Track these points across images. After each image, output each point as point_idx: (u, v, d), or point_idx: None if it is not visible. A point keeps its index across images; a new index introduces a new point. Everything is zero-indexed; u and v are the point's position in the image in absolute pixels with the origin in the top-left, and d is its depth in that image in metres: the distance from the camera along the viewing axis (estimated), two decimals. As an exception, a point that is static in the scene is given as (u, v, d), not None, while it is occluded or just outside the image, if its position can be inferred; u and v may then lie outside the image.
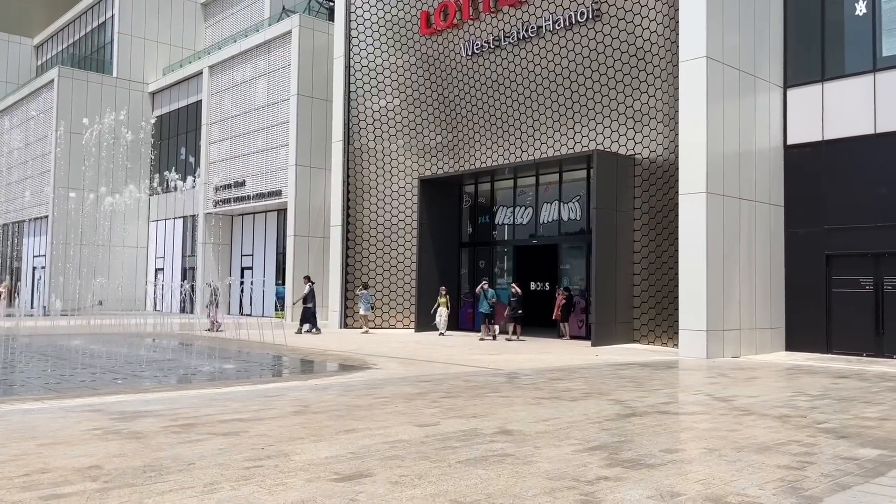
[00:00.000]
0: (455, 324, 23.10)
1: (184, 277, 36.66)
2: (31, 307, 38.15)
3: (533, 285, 25.43)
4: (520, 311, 20.07)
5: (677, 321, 16.54)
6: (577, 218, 21.11)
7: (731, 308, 16.37)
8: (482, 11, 22.26)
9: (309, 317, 22.24)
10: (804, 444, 6.67)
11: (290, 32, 29.47)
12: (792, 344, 17.75)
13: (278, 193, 29.84)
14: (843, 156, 17.13)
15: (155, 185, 37.78)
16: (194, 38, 41.30)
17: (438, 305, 21.96)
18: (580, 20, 19.93)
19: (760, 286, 17.30)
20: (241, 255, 34.30)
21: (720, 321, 16.03)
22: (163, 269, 38.83)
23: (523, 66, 21.42)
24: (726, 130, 16.42)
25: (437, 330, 21.86)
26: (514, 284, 20.61)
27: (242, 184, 32.01)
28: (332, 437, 6.70)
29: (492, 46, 22.11)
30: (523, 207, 22.71)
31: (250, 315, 31.71)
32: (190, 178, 34.50)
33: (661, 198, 18.26)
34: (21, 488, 4.89)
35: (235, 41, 34.09)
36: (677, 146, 17.18)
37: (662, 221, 18.17)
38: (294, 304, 22.94)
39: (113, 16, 40.47)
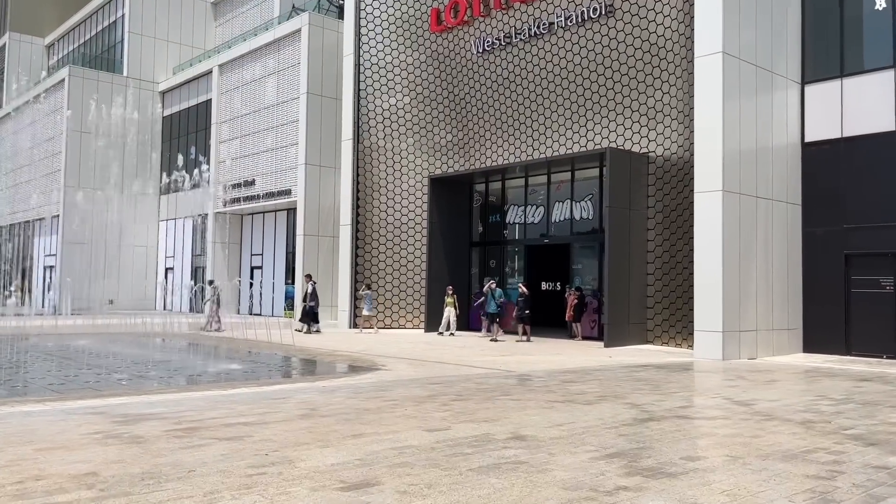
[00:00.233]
0: (465, 324, 22.83)
1: (193, 277, 36.57)
2: (42, 306, 38.17)
3: (544, 285, 25.13)
4: (527, 312, 19.78)
5: (692, 322, 16.23)
6: (590, 217, 20.80)
7: (747, 308, 16.03)
8: (493, 8, 21.99)
9: (310, 315, 22.09)
10: (832, 452, 6.37)
11: (299, 31, 29.28)
12: (809, 345, 17.39)
13: (288, 192, 29.66)
14: (862, 153, 16.74)
15: (164, 184, 37.71)
16: (204, 37, 41.23)
17: (445, 305, 21.75)
18: (593, 16, 19.63)
19: (777, 286, 16.95)
20: (251, 255, 34.16)
21: (736, 322, 15.70)
22: (172, 269, 38.76)
23: (535, 64, 21.14)
24: (743, 127, 16.09)
25: (447, 331, 21.60)
26: (521, 284, 20.33)
27: (252, 183, 31.85)
28: (338, 442, 6.46)
29: (503, 43, 21.83)
30: (535, 206, 22.42)
31: (259, 315, 31.57)
32: (199, 178, 34.38)
33: (676, 196, 17.93)
34: (12, 496, 4.68)
35: (245, 40, 33.95)
36: (692, 143, 16.87)
37: (677, 220, 17.85)
38: (306, 303, 22.90)
39: (123, 15, 40.44)
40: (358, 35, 24.86)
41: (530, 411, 8.31)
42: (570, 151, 20.27)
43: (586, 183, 20.96)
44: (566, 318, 20.79)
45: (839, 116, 17.14)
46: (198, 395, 9.46)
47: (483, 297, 21.05)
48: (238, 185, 32.75)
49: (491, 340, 19.53)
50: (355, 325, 24.09)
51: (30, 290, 40.33)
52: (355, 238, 24.41)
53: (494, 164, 22.22)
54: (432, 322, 22.34)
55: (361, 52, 24.79)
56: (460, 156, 23.55)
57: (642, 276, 18.34)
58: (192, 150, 36.99)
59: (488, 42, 22.15)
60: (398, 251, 24.25)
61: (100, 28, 43.92)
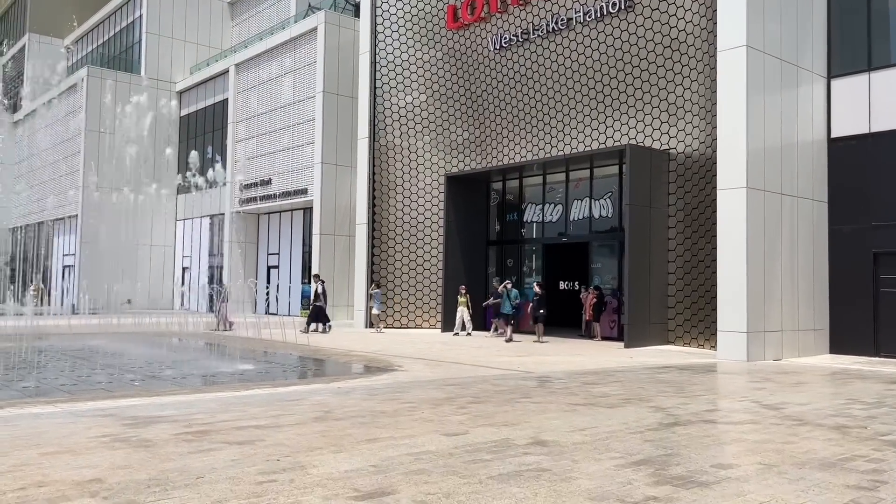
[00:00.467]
0: (482, 324, 22.55)
1: (210, 276, 36.59)
2: (61, 305, 38.35)
3: (562, 285, 24.79)
4: (541, 311, 19.44)
5: (714, 322, 15.85)
6: (609, 215, 20.45)
7: (772, 308, 15.62)
8: (510, 4, 21.69)
9: (319, 315, 21.95)
10: (871, 460, 6.05)
11: (315, 29, 29.16)
12: (836, 346, 16.94)
13: (304, 192, 29.54)
14: (891, 148, 16.26)
15: (181, 183, 37.76)
16: (221, 36, 41.27)
17: (458, 305, 21.49)
18: (612, 11, 19.28)
19: (803, 285, 16.52)
20: (268, 255, 34.11)
21: (761, 322, 15.30)
22: (189, 268, 38.81)
23: (553, 60, 20.82)
24: (767, 123, 15.68)
25: (463, 331, 21.35)
26: (536, 284, 20.00)
27: (269, 182, 31.78)
28: (353, 447, 6.23)
29: (520, 40, 21.53)
30: (553, 204, 22.10)
31: (276, 314, 31.49)
32: (216, 177, 34.35)
33: (698, 194, 17.55)
34: (12, 505, 4.49)
35: (262, 39, 33.90)
36: (714, 140, 16.48)
37: (699, 218, 17.46)
38: (313, 303, 22.78)
39: (141, 16, 40.55)
40: (374, 33, 24.65)
41: (551, 415, 8.04)
42: (588, 149, 19.93)
43: (606, 181, 20.61)
44: (586, 318, 20.44)
45: (867, 111, 16.68)
46: (210, 396, 9.27)
47: (496, 298, 20.73)
48: (254, 185, 32.70)
49: (506, 341, 19.24)
50: (371, 325, 23.90)
51: (49, 292, 40.52)
52: (371, 237, 24.21)
53: (512, 161, 21.93)
54: (449, 322, 22.10)
55: (377, 50, 24.58)
56: (477, 153, 23.27)
57: (663, 275, 17.97)
58: (209, 149, 37.01)
59: (505, 38, 21.85)
60: (414, 250, 24.02)
61: (118, 29, 44.09)
